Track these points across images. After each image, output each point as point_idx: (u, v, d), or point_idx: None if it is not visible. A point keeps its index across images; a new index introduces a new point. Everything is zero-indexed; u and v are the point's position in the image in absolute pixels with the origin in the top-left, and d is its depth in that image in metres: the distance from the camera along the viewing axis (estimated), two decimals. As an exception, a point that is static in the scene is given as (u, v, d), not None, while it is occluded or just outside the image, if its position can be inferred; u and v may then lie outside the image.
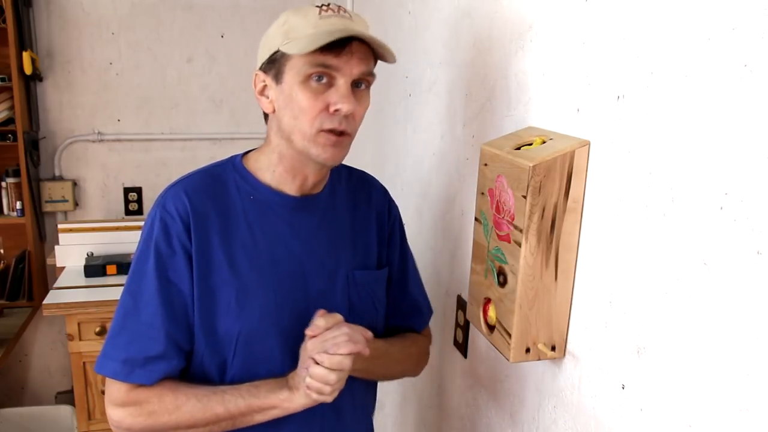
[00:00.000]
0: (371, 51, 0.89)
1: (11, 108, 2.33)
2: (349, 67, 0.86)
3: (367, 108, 0.94)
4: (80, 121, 2.56)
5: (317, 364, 0.85)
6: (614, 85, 0.73)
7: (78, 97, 2.54)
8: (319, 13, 0.87)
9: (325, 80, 0.87)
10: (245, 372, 0.93)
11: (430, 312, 1.17)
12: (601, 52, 0.76)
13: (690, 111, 0.61)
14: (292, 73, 0.87)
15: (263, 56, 0.92)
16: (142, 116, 2.62)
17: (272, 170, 0.96)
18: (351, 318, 0.94)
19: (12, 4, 2.25)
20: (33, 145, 2.44)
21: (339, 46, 0.84)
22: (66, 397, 2.66)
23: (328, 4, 0.89)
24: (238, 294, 0.92)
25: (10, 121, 2.34)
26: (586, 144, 0.79)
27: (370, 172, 1.15)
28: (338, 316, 0.90)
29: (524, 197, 0.79)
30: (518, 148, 0.85)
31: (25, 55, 2.27)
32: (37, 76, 2.43)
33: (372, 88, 0.94)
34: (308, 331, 0.88)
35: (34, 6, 2.40)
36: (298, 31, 0.86)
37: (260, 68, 0.93)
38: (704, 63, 0.59)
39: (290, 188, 0.97)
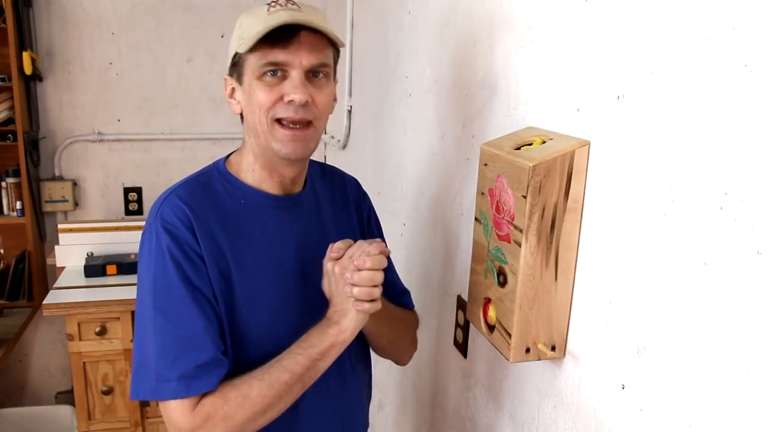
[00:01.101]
0: (327, 39, 0.91)
1: (11, 108, 2.33)
2: (298, 59, 0.88)
3: (332, 96, 0.96)
4: (80, 121, 2.56)
5: (360, 271, 0.89)
6: (614, 85, 0.73)
7: (78, 97, 2.54)
8: (267, 10, 0.89)
9: (279, 74, 0.89)
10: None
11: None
12: (601, 52, 0.76)
13: (690, 111, 0.61)
14: (249, 72, 0.90)
15: (228, 61, 0.95)
16: (142, 116, 2.62)
17: (252, 170, 0.97)
18: None
19: (12, 4, 2.25)
20: (33, 145, 2.44)
21: (286, 39, 0.87)
22: (66, 397, 2.66)
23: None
24: (250, 296, 0.93)
25: (10, 121, 2.34)
26: (586, 144, 0.79)
27: (370, 172, 1.15)
28: (349, 240, 0.94)
29: (524, 197, 0.79)
30: (518, 148, 0.85)
31: (25, 55, 2.28)
32: (37, 76, 2.43)
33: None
34: (332, 254, 0.92)
35: (34, 6, 2.40)
36: (249, 30, 0.89)
37: (228, 73, 0.96)
38: (704, 63, 0.59)
39: (271, 187, 0.98)
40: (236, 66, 0.93)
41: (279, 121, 0.90)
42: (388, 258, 1.17)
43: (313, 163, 1.10)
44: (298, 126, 0.90)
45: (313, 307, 0.96)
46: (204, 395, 0.86)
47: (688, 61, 0.61)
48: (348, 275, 0.90)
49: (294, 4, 0.91)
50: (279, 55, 0.88)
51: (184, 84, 2.63)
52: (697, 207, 0.61)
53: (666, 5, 0.65)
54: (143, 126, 2.63)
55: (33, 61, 2.33)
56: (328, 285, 0.94)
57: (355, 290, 0.89)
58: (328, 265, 0.93)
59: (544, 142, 0.83)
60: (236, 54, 0.92)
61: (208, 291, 0.90)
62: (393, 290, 1.14)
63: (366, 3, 1.95)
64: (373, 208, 1.17)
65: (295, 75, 0.89)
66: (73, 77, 2.52)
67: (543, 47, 0.90)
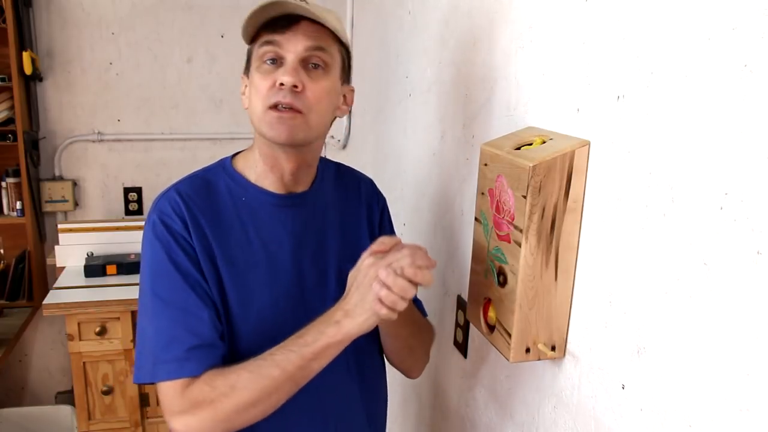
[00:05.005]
0: (334, 36, 0.92)
1: (11, 108, 2.33)
2: (293, 44, 0.89)
3: (328, 90, 0.93)
4: (80, 121, 2.56)
5: (397, 276, 0.80)
6: (614, 85, 0.73)
7: (78, 97, 2.54)
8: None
9: (277, 62, 0.90)
10: None
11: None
12: (601, 52, 0.76)
13: (690, 111, 0.61)
14: (253, 62, 0.93)
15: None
16: (142, 116, 2.63)
17: (256, 166, 0.99)
18: None
19: (12, 4, 2.25)
20: (33, 145, 2.44)
21: (285, 26, 0.89)
22: (66, 397, 2.67)
23: None
24: (240, 292, 0.93)
25: (10, 121, 2.34)
26: (586, 144, 0.79)
27: (370, 172, 1.15)
28: (397, 238, 0.88)
29: (524, 197, 0.79)
30: (518, 148, 0.85)
31: (25, 55, 2.28)
32: (37, 76, 2.43)
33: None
34: (374, 246, 0.85)
35: (34, 6, 2.40)
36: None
37: (244, 71, 0.99)
38: (704, 63, 0.59)
39: (272, 183, 0.98)
40: (248, 61, 0.96)
41: (273, 107, 0.90)
42: None
43: (329, 164, 1.10)
44: (285, 109, 0.90)
45: (309, 308, 0.94)
46: (195, 380, 0.86)
47: (688, 61, 0.61)
48: (383, 273, 0.81)
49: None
50: (274, 36, 0.89)
51: (184, 84, 2.63)
52: (697, 207, 0.61)
53: (666, 5, 0.65)
54: (143, 126, 2.63)
55: (33, 61, 2.33)
56: (353, 278, 0.87)
57: (383, 292, 0.80)
58: (364, 256, 0.86)
59: (544, 142, 0.83)
60: (249, 50, 0.95)
61: (201, 277, 0.91)
62: None
63: (366, 3, 1.95)
64: (388, 211, 1.14)
65: (289, 60, 0.89)
66: (73, 77, 2.52)
67: (543, 47, 0.90)
